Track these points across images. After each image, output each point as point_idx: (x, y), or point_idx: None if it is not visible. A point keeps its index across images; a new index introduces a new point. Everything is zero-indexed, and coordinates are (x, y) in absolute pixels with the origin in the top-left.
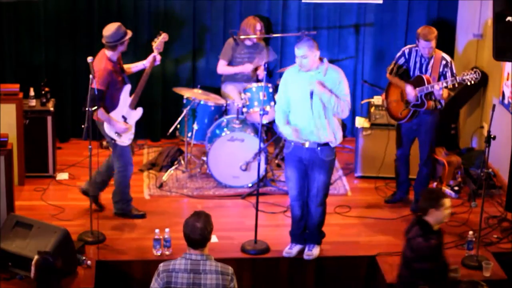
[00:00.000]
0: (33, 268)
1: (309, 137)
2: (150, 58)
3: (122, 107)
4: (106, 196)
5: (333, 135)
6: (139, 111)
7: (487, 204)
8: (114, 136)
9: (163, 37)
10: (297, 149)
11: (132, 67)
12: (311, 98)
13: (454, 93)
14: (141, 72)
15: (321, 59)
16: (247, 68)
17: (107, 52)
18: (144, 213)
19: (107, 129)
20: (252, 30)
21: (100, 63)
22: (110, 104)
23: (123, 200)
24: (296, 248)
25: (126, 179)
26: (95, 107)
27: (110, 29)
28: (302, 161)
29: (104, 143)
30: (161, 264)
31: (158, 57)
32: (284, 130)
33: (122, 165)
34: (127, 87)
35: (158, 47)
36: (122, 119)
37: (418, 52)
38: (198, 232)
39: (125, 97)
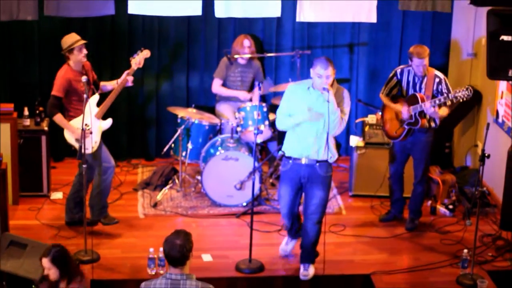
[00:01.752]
0: (50, 266)
1: (308, 153)
2: (123, 75)
3: (86, 116)
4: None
5: (330, 153)
6: (107, 122)
7: (482, 223)
8: (74, 143)
9: (144, 54)
10: (295, 167)
11: (107, 85)
12: (323, 93)
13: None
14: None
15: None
16: (242, 95)
17: (69, 62)
18: (117, 220)
19: (67, 136)
20: (240, 47)
21: (61, 71)
22: (73, 111)
23: (99, 205)
24: (292, 243)
25: (105, 182)
26: (88, 126)
27: (64, 38)
28: (300, 179)
29: None
30: (142, 284)
31: (130, 78)
32: (297, 119)
33: (102, 169)
34: (94, 98)
35: (137, 62)
36: (85, 127)
37: (410, 71)
38: (177, 249)
39: (91, 106)
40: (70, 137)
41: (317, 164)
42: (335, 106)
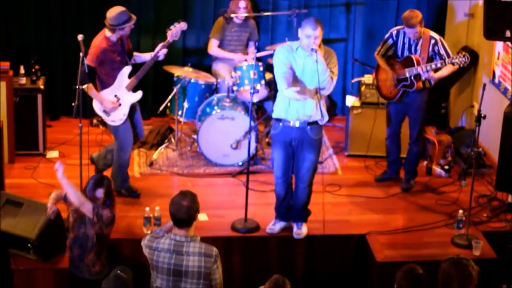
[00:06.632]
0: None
1: (300, 114)
2: (158, 47)
3: (117, 87)
4: None
5: (321, 114)
6: (137, 94)
7: (477, 183)
8: (102, 114)
9: (181, 26)
10: (285, 129)
11: (140, 56)
12: (312, 54)
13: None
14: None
15: None
16: (238, 57)
17: (107, 32)
18: (138, 193)
19: (96, 106)
20: (236, 7)
21: (96, 40)
22: (104, 82)
23: (120, 178)
24: (279, 225)
25: (121, 159)
26: (86, 85)
27: (113, 12)
28: (291, 141)
29: (95, 121)
30: (147, 238)
31: (164, 51)
32: (288, 92)
33: (117, 145)
34: (127, 68)
35: (173, 34)
36: (114, 98)
37: (406, 33)
38: (184, 210)
39: (122, 77)
40: (98, 108)
41: (308, 127)
42: (325, 66)
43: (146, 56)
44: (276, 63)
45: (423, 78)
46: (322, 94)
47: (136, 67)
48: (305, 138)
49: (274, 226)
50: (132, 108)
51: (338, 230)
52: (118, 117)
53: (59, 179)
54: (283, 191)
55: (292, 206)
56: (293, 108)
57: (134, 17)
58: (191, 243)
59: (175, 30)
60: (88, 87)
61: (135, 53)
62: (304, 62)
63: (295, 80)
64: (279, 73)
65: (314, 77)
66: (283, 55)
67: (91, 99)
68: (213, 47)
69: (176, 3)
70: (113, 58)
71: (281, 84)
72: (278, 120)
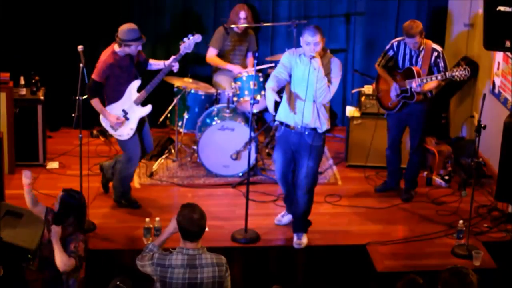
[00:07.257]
0: (56, 204)
1: (297, 120)
2: (170, 60)
3: (125, 101)
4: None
5: (319, 122)
6: (146, 109)
7: (477, 194)
8: (109, 129)
9: (195, 38)
10: (286, 133)
11: (155, 64)
12: (310, 61)
13: (444, 83)
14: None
15: (325, 50)
16: (235, 69)
17: (115, 47)
18: (139, 204)
19: (102, 121)
20: (236, 17)
21: (104, 55)
22: (112, 96)
23: (120, 189)
24: (288, 217)
25: (126, 171)
26: (86, 96)
27: (124, 27)
28: (290, 145)
29: (95, 131)
30: (156, 256)
31: (176, 65)
32: (269, 91)
33: (125, 157)
34: (135, 82)
35: (186, 46)
36: (122, 112)
37: (407, 44)
38: (196, 223)
39: (131, 91)
40: (104, 123)
41: (306, 132)
42: (322, 75)
43: (161, 64)
44: (279, 64)
45: (417, 90)
46: (320, 103)
47: (146, 80)
48: (303, 143)
49: (282, 218)
50: (141, 121)
51: (338, 241)
52: (125, 132)
53: (54, 242)
54: (286, 190)
55: (293, 215)
56: (292, 113)
57: (144, 38)
58: (202, 255)
59: (189, 42)
60: (94, 101)
61: (151, 60)
62: (305, 68)
63: (295, 87)
64: (275, 71)
65: (312, 84)
66: (287, 59)
67: (91, 110)
68: (210, 55)
69: (176, 14)
70: (120, 73)
71: (270, 81)
72: (281, 123)
